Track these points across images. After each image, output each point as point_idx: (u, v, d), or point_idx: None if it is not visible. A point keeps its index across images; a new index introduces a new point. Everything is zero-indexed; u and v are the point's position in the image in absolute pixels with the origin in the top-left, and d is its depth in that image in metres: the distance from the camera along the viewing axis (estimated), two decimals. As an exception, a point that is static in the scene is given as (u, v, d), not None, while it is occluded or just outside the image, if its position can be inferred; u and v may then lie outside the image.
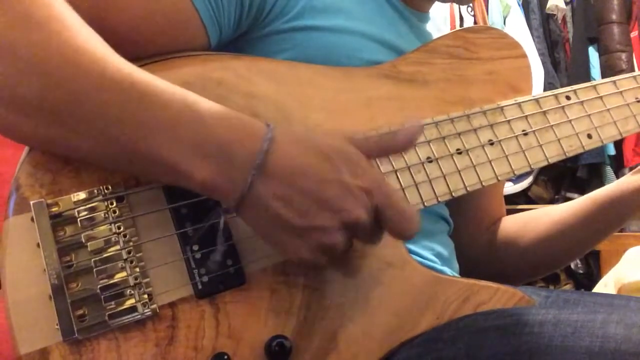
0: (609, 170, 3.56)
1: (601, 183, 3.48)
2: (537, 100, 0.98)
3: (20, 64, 0.69)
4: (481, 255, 1.20)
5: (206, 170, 0.70)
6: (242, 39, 0.90)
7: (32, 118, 0.71)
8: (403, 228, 0.75)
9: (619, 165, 3.57)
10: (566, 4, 3.75)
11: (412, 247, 0.90)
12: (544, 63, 3.54)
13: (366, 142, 0.77)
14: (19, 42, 0.69)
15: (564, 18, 3.80)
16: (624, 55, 3.52)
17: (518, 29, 3.47)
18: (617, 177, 3.50)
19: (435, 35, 1.08)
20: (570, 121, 0.98)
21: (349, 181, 0.72)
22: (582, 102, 1.00)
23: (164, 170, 0.72)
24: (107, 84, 0.70)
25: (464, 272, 1.04)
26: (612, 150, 3.54)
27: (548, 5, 3.70)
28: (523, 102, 0.97)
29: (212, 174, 0.70)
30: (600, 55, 3.62)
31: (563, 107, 0.99)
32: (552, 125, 0.97)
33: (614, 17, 3.57)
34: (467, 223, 1.18)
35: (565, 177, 3.75)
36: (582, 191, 3.54)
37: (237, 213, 0.72)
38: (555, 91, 1.00)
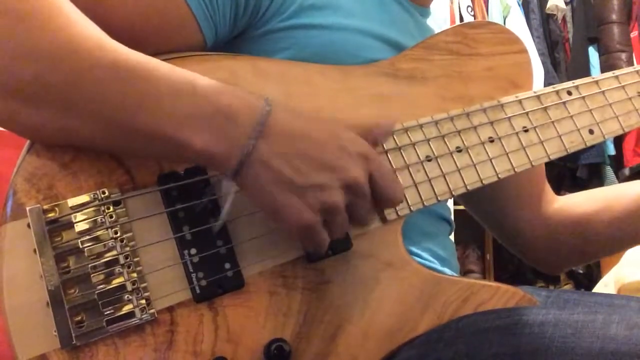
0: (609, 170, 3.56)
1: (601, 183, 3.48)
2: (538, 97, 0.97)
3: (15, 50, 0.69)
4: (543, 240, 1.18)
5: (205, 136, 0.71)
6: (240, 38, 0.90)
7: (30, 103, 0.71)
8: (395, 194, 0.78)
9: (618, 165, 3.57)
10: (566, 4, 3.76)
11: (411, 248, 0.90)
12: (544, 63, 3.54)
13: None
14: (15, 29, 0.69)
15: (564, 18, 3.80)
16: (624, 55, 3.52)
17: (518, 29, 3.47)
18: (617, 177, 3.50)
19: (436, 31, 1.07)
20: (571, 117, 0.98)
21: (346, 146, 0.74)
22: (583, 97, 1.00)
23: (162, 143, 0.72)
24: (104, 63, 0.71)
25: (528, 262, 1.03)
26: (612, 150, 3.54)
27: (548, 5, 3.71)
28: (524, 98, 0.96)
29: (212, 139, 0.71)
30: (600, 55, 3.62)
31: (564, 103, 0.98)
32: (553, 122, 0.96)
33: (614, 17, 3.58)
34: (519, 213, 1.18)
35: (565, 177, 3.75)
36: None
37: (235, 179, 0.72)
38: (557, 86, 1.00)
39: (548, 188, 1.22)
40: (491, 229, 1.25)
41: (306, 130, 0.74)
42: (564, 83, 1.01)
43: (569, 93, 0.99)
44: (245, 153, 0.70)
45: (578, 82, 1.01)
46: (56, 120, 0.72)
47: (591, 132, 0.98)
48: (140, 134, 0.72)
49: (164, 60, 0.80)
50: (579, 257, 1.18)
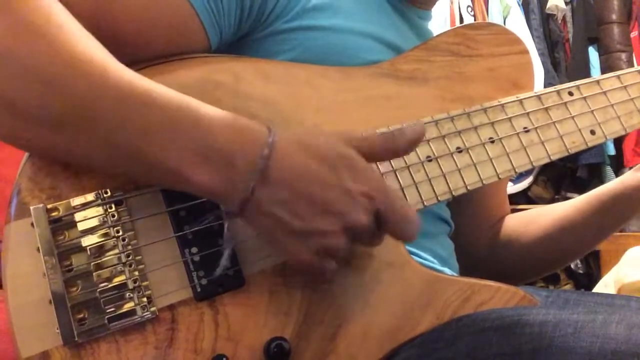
0: (609, 170, 3.56)
1: (601, 183, 3.46)
2: (539, 97, 0.97)
3: (20, 72, 0.69)
4: (483, 254, 1.19)
5: (207, 175, 0.71)
6: (243, 40, 0.90)
7: (33, 125, 0.71)
8: (406, 231, 0.75)
9: (619, 165, 3.57)
10: (566, 4, 3.75)
11: (410, 247, 0.90)
12: (544, 63, 3.54)
13: (367, 144, 0.76)
14: (19, 50, 0.69)
15: (564, 18, 3.79)
16: (624, 55, 3.52)
17: (518, 29, 3.47)
18: (617, 177, 3.49)
19: (436, 34, 1.07)
20: (572, 117, 0.97)
21: (350, 186, 0.72)
22: (585, 98, 0.99)
23: (165, 174, 0.72)
24: (108, 91, 0.70)
25: (465, 271, 1.04)
26: (612, 150, 3.54)
27: (548, 5, 3.70)
28: (524, 98, 0.96)
29: (213, 179, 0.71)
30: (600, 55, 3.62)
31: (565, 103, 0.98)
32: (555, 122, 0.96)
33: (614, 17, 3.57)
34: (468, 221, 1.18)
35: (565, 177, 3.75)
36: (582, 191, 3.50)
37: (239, 216, 0.72)
38: (558, 87, 0.99)
39: (505, 203, 1.25)
40: None
41: (309, 168, 0.72)
42: (565, 84, 1.01)
43: (570, 94, 0.99)
44: (245, 198, 0.70)
45: (579, 82, 1.01)
46: (59, 141, 0.72)
47: (593, 132, 0.98)
48: (141, 163, 0.72)
49: (165, 62, 0.81)
50: (509, 274, 1.17)
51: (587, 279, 3.55)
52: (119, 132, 0.70)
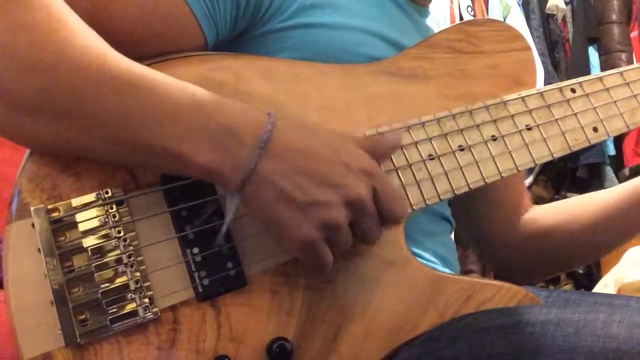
0: (609, 170, 3.55)
1: (601, 183, 3.47)
2: (541, 94, 0.97)
3: (19, 64, 0.70)
4: (516, 249, 1.18)
5: (208, 154, 0.71)
6: (240, 38, 0.90)
7: (34, 117, 0.71)
8: (395, 210, 0.77)
9: (619, 165, 3.56)
10: (566, 4, 3.75)
11: (412, 248, 0.90)
12: (544, 63, 3.53)
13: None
14: (19, 42, 0.70)
15: (564, 18, 3.79)
16: (624, 55, 3.51)
17: (518, 29, 3.47)
18: (617, 177, 3.49)
19: (436, 30, 1.07)
20: (575, 114, 0.97)
21: (349, 161, 0.74)
22: (587, 95, 0.99)
23: (167, 158, 0.72)
24: (106, 78, 0.71)
25: (497, 272, 1.03)
26: (612, 150, 3.53)
27: (548, 5, 3.70)
28: (527, 96, 0.96)
29: (215, 157, 0.71)
30: (600, 55, 3.61)
31: (568, 101, 0.98)
32: (557, 119, 0.96)
33: (614, 17, 3.57)
34: (497, 220, 1.17)
35: (565, 177, 3.74)
36: (582, 191, 3.53)
37: (239, 194, 0.72)
38: (560, 84, 0.99)
39: (526, 196, 1.23)
40: (466, 229, 1.24)
41: (309, 146, 0.74)
42: (568, 81, 1.00)
43: (573, 90, 0.99)
44: (248, 171, 0.71)
45: (582, 79, 1.00)
46: (59, 133, 0.72)
47: (595, 129, 0.98)
48: (143, 149, 0.72)
49: (165, 60, 0.81)
50: (547, 267, 1.18)
51: (587, 279, 3.55)
52: (118, 118, 0.71)
